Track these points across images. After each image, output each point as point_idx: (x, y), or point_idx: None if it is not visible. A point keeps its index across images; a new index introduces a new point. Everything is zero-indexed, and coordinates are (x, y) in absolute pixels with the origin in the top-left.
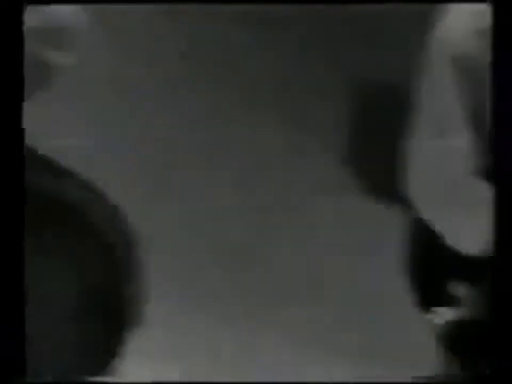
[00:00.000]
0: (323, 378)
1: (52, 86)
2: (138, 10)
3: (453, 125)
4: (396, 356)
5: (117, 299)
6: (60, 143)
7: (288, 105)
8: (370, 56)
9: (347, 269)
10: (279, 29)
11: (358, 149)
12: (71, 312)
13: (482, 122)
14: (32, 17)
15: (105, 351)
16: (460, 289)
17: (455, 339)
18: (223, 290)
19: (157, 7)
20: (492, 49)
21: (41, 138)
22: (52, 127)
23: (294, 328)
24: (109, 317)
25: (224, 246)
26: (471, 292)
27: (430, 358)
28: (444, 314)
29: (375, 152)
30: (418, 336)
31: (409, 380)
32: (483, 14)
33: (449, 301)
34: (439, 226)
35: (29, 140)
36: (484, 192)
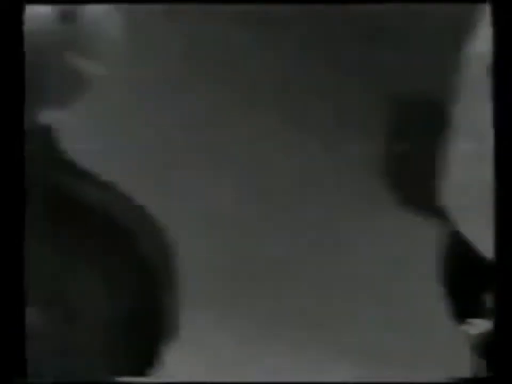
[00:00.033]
0: None
1: (85, 95)
2: (139, 10)
3: (490, 134)
4: (432, 366)
5: (152, 309)
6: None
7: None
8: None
9: (383, 281)
10: (279, 29)
11: (394, 160)
12: (104, 323)
13: None
14: (65, 27)
15: (139, 362)
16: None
17: (489, 350)
18: (255, 307)
19: (157, 7)
20: (491, 49)
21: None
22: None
23: (329, 346)
24: (144, 328)
25: (257, 261)
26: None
27: (466, 369)
28: (479, 325)
29: (411, 163)
30: (454, 347)
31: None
32: None
33: (484, 312)
34: (474, 236)
35: (64, 145)
36: None
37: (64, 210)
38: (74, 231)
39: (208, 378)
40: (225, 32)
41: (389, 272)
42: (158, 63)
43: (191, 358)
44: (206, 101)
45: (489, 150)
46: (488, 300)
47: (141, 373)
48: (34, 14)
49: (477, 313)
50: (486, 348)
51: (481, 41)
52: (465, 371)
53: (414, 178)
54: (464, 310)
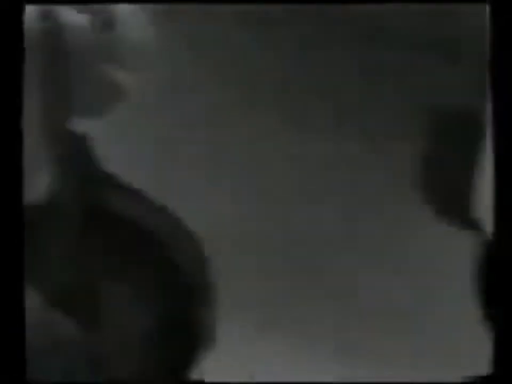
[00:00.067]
0: None
1: (120, 105)
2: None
3: None
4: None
5: (189, 322)
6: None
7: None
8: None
9: (419, 292)
10: (278, 29)
11: (429, 171)
12: (142, 335)
13: None
14: (101, 37)
15: (177, 375)
16: None
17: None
18: (294, 314)
19: (157, 7)
20: (491, 49)
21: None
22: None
23: (368, 355)
24: (182, 340)
25: (292, 268)
26: None
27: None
28: None
29: (446, 174)
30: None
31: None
32: None
33: None
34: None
35: (98, 153)
36: None
37: (96, 221)
38: (108, 243)
39: None
40: (225, 32)
41: (423, 282)
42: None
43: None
44: (206, 101)
45: None
46: None
47: None
48: (70, 23)
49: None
50: None
51: None
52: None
53: (449, 190)
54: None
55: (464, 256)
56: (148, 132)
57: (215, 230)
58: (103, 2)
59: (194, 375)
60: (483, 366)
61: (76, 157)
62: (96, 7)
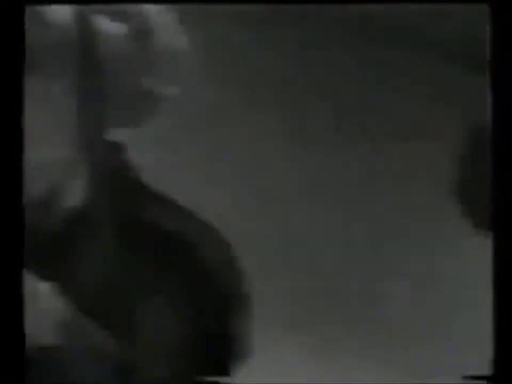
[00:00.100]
0: None
1: (156, 114)
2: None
3: None
4: None
5: (224, 333)
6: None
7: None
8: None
9: (463, 304)
10: (278, 29)
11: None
12: (176, 345)
13: None
14: (136, 46)
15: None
16: None
17: None
18: (325, 321)
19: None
20: (491, 49)
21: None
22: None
23: (398, 365)
24: (215, 350)
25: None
26: None
27: None
28: None
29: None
30: None
31: None
32: None
33: None
34: None
35: (133, 162)
36: None
37: (131, 231)
38: (142, 252)
39: None
40: (225, 32)
41: (464, 295)
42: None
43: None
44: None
45: None
46: None
47: None
48: (108, 33)
49: None
50: None
51: None
52: None
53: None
54: None
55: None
56: (181, 141)
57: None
58: (102, 3)
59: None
60: None
61: (111, 166)
62: (131, 14)
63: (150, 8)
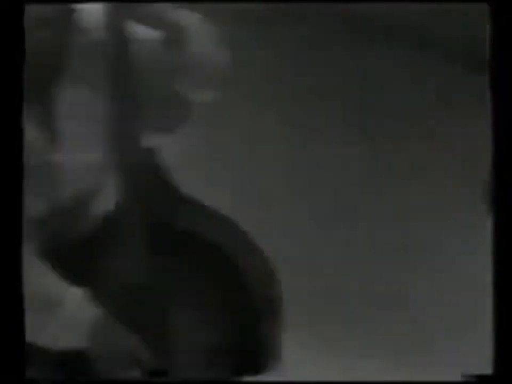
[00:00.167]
0: None
1: (192, 121)
2: None
3: None
4: None
5: (254, 339)
6: None
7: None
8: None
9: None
10: (278, 29)
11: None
12: (208, 352)
13: None
14: (172, 53)
15: None
16: None
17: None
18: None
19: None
20: (491, 49)
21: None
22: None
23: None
24: (246, 356)
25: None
26: None
27: None
28: None
29: None
30: None
31: None
32: None
33: None
34: None
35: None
36: None
37: (163, 236)
38: (175, 257)
39: None
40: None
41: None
42: None
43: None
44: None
45: None
46: None
47: None
48: (141, 38)
49: None
50: None
51: None
52: None
53: None
54: None
55: None
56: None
57: None
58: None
59: None
60: None
61: (144, 172)
62: (166, 21)
63: (185, 14)
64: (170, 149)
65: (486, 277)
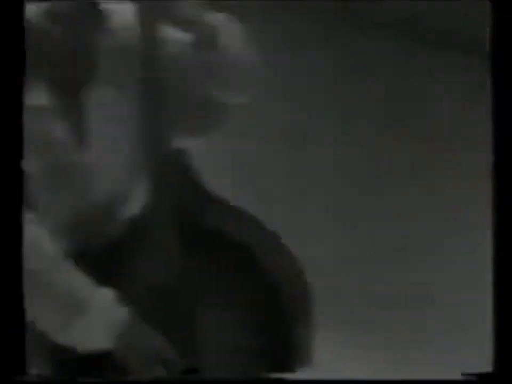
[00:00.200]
0: None
1: (224, 124)
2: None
3: None
4: None
5: (282, 339)
6: None
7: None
8: None
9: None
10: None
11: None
12: (238, 352)
13: None
14: (203, 55)
15: None
16: None
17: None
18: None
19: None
20: (491, 49)
21: None
22: None
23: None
24: (274, 356)
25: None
26: None
27: None
28: None
29: None
30: None
31: None
32: None
33: None
34: None
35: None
36: None
37: (194, 237)
38: (205, 258)
39: None
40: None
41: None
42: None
43: None
44: None
45: None
46: None
47: None
48: (173, 41)
49: None
50: None
51: None
52: None
53: None
54: None
55: None
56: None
57: None
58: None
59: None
60: None
61: (175, 174)
62: (197, 22)
63: (216, 16)
64: (200, 150)
65: (486, 277)
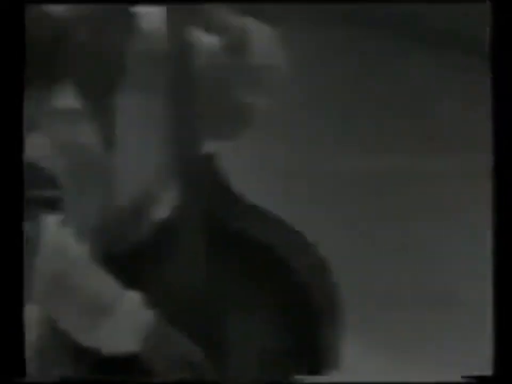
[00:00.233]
0: None
1: (251, 126)
2: None
3: None
4: None
5: (310, 341)
6: None
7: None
8: None
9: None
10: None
11: None
12: (264, 355)
13: None
14: (232, 59)
15: None
16: None
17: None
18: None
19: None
20: (491, 49)
21: None
22: None
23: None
24: (302, 358)
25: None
26: None
27: None
28: None
29: None
30: None
31: None
32: None
33: None
34: None
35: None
36: None
37: (222, 241)
38: (233, 262)
39: None
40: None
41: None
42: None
43: None
44: None
45: None
46: None
47: None
48: (202, 43)
49: None
50: None
51: None
52: None
53: None
54: None
55: None
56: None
57: None
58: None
59: None
60: None
61: (204, 178)
62: (226, 27)
63: (245, 21)
64: (229, 154)
65: (486, 277)
